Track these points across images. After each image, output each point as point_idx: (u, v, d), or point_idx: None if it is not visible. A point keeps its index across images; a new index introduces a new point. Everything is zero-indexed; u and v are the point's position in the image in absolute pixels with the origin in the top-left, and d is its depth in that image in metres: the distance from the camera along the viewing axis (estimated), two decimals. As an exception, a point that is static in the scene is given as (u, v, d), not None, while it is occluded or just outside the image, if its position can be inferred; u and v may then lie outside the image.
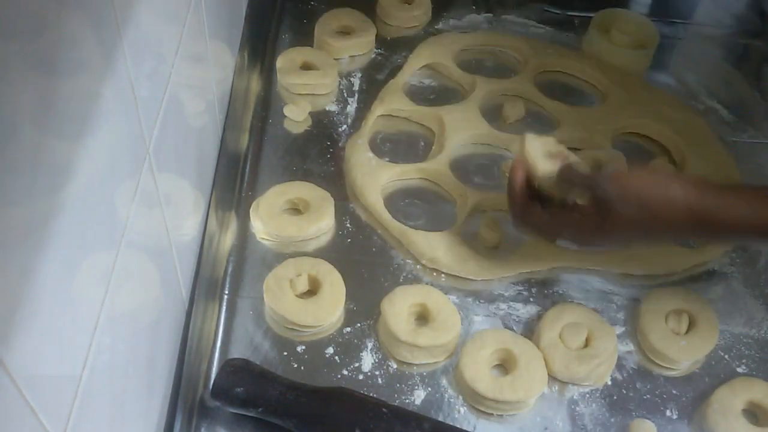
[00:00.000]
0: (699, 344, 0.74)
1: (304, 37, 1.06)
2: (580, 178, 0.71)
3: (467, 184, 0.88)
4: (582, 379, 0.72)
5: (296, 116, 0.94)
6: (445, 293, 0.76)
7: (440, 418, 0.69)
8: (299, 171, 0.90)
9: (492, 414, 0.69)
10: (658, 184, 0.68)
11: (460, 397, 0.71)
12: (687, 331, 0.75)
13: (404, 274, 0.80)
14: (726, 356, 0.76)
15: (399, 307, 0.73)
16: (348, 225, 0.84)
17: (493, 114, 0.98)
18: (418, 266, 0.81)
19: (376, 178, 0.87)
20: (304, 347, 0.73)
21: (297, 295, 0.75)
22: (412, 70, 1.02)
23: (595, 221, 0.69)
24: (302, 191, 0.84)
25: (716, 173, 0.90)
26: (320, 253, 0.81)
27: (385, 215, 0.84)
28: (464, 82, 1.02)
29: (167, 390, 0.68)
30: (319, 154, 0.92)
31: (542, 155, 0.74)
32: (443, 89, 1.02)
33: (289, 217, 0.83)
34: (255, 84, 1.00)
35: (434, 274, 0.80)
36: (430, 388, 0.71)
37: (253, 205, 0.84)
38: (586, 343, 0.73)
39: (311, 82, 0.98)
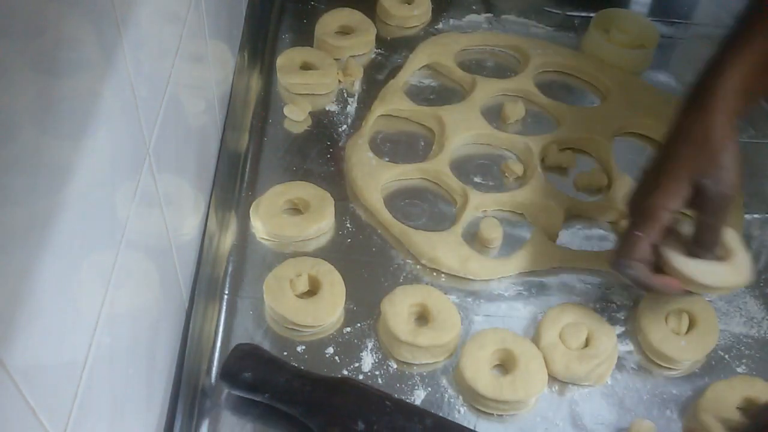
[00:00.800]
0: (699, 344, 0.74)
1: (304, 37, 1.06)
2: None
3: (467, 184, 0.88)
4: (582, 379, 0.72)
5: (296, 116, 0.94)
6: (445, 293, 0.76)
7: (440, 418, 0.69)
8: (299, 171, 0.90)
9: (492, 414, 0.69)
10: None
11: (460, 397, 0.71)
12: (687, 331, 0.75)
13: (404, 274, 0.80)
14: (726, 356, 0.76)
15: (399, 307, 0.73)
16: (348, 225, 0.84)
17: (493, 114, 0.98)
18: (418, 266, 0.81)
19: (376, 178, 0.87)
20: (304, 347, 0.73)
21: (297, 295, 0.75)
22: (412, 70, 1.02)
23: None
24: (302, 191, 0.84)
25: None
26: (320, 253, 0.81)
27: (385, 215, 0.84)
28: (464, 82, 1.02)
29: (167, 390, 0.68)
30: (319, 154, 0.92)
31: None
32: (443, 89, 1.02)
33: (289, 217, 0.83)
34: (255, 84, 1.01)
35: (434, 274, 0.80)
36: (430, 388, 0.71)
37: (253, 205, 0.84)
38: (586, 343, 0.73)
39: (311, 82, 0.98)
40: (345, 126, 0.95)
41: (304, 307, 0.73)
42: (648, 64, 1.07)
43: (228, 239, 0.82)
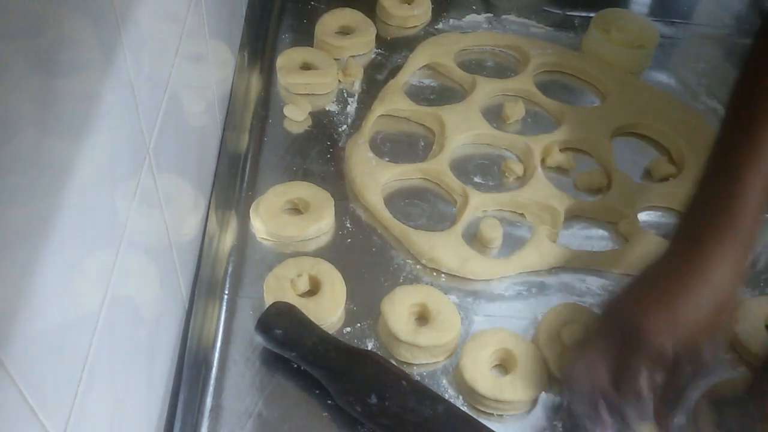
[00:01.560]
0: None
1: (304, 37, 1.06)
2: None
3: (467, 184, 0.88)
4: None
5: (296, 116, 0.94)
6: (445, 293, 0.76)
7: (440, 418, 0.69)
8: (299, 171, 0.90)
9: (492, 414, 0.69)
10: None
11: (460, 397, 0.71)
12: None
13: (404, 274, 0.80)
14: (726, 357, 0.76)
15: (399, 307, 0.73)
16: (348, 225, 0.84)
17: (493, 114, 0.98)
18: (418, 266, 0.81)
19: (376, 178, 0.87)
20: (304, 347, 0.73)
21: (298, 295, 0.75)
22: (412, 70, 1.02)
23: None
24: (302, 191, 0.84)
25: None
26: (320, 253, 0.81)
27: (386, 215, 0.84)
28: (464, 82, 1.02)
29: (167, 390, 0.68)
30: (319, 154, 0.92)
31: None
32: (443, 89, 1.02)
33: (289, 217, 0.83)
34: (255, 84, 1.00)
35: (434, 274, 0.80)
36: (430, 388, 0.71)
37: (253, 205, 0.84)
38: None
39: (311, 82, 0.98)
40: (345, 126, 0.95)
41: (305, 307, 0.73)
42: (648, 64, 1.07)
43: (228, 239, 0.82)
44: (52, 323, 0.41)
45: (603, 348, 0.62)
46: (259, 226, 0.82)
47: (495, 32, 1.10)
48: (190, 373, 0.70)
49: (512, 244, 0.84)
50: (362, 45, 1.05)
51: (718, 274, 0.59)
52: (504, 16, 1.14)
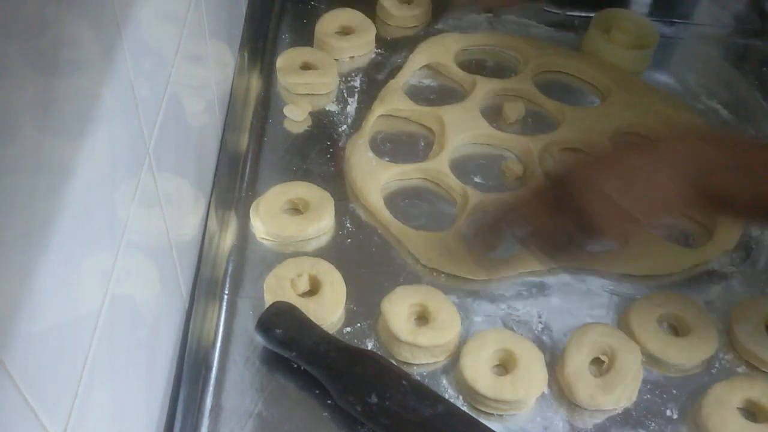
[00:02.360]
0: (694, 350, 0.74)
1: (304, 37, 1.06)
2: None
3: (467, 184, 0.88)
4: (609, 406, 0.70)
5: (296, 116, 0.94)
6: (445, 293, 0.76)
7: (440, 418, 0.69)
8: (299, 171, 0.90)
9: (492, 414, 0.69)
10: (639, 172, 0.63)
11: (460, 397, 0.71)
12: (684, 335, 0.75)
13: (404, 274, 0.80)
14: (727, 357, 0.76)
15: (399, 307, 0.73)
16: (348, 225, 0.84)
17: (493, 114, 0.98)
18: (418, 266, 0.81)
19: (376, 178, 0.87)
20: (304, 347, 0.73)
21: (298, 295, 0.75)
22: (412, 70, 1.02)
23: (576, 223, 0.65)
24: (302, 191, 0.84)
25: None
26: (320, 253, 0.81)
27: (386, 215, 0.84)
28: (464, 82, 1.02)
29: (167, 390, 0.68)
30: (319, 154, 0.92)
31: None
32: (443, 89, 1.02)
33: (289, 217, 0.83)
34: (255, 84, 1.01)
35: (434, 274, 0.80)
36: (430, 388, 0.71)
37: (253, 205, 0.84)
38: (609, 366, 0.71)
39: (311, 81, 0.98)
40: (345, 126, 0.95)
41: (305, 307, 0.73)
42: (648, 64, 1.07)
43: (228, 239, 0.82)
44: (52, 323, 0.41)
45: (538, 188, 0.71)
46: (259, 226, 0.82)
47: (495, 32, 1.10)
48: (190, 373, 0.70)
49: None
50: (362, 45, 1.05)
51: (662, 170, 0.63)
52: (504, 16, 1.14)
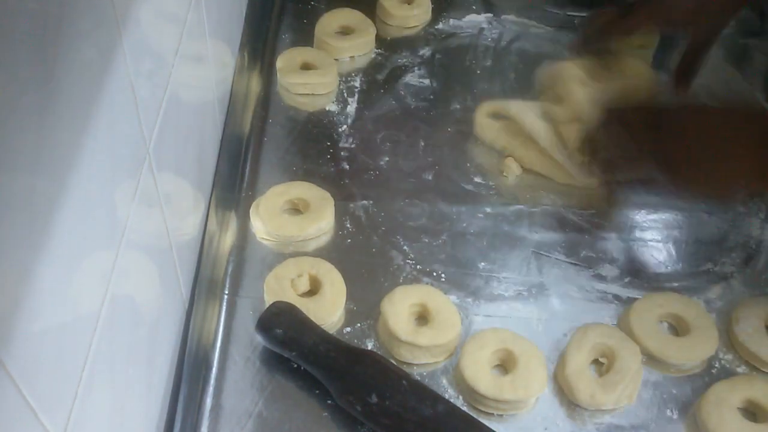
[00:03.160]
0: (695, 349, 0.74)
1: (304, 37, 1.06)
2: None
3: (467, 184, 0.89)
4: (609, 405, 0.70)
5: (514, 170, 0.91)
6: (445, 293, 0.76)
7: (440, 418, 0.69)
8: (299, 171, 0.90)
9: (492, 414, 0.69)
10: None
11: (460, 397, 0.71)
12: (684, 335, 0.75)
13: (404, 274, 0.80)
14: (727, 357, 0.76)
15: (399, 307, 0.73)
16: (348, 225, 0.84)
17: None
18: (418, 266, 0.81)
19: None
20: (304, 347, 0.73)
21: (298, 295, 0.75)
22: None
23: None
24: (302, 191, 0.84)
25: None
26: (320, 253, 0.81)
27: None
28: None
29: (167, 390, 0.68)
30: (319, 154, 0.92)
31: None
32: (443, 90, 1.02)
33: (289, 217, 0.83)
34: (255, 84, 1.01)
35: (434, 274, 0.80)
36: (430, 388, 0.71)
37: (253, 205, 0.84)
38: (609, 366, 0.72)
39: (311, 81, 0.98)
40: (345, 126, 0.95)
41: (305, 307, 0.73)
42: (648, 64, 1.07)
43: (228, 239, 0.82)
44: (52, 323, 0.41)
45: None
46: (259, 226, 0.82)
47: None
48: (190, 373, 0.70)
49: (512, 244, 0.84)
50: (362, 45, 1.05)
51: None
52: (504, 16, 1.14)
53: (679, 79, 0.90)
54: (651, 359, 0.74)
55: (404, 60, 1.04)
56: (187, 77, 0.71)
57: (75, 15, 0.43)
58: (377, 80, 1.02)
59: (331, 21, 1.06)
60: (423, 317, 0.75)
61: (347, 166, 0.91)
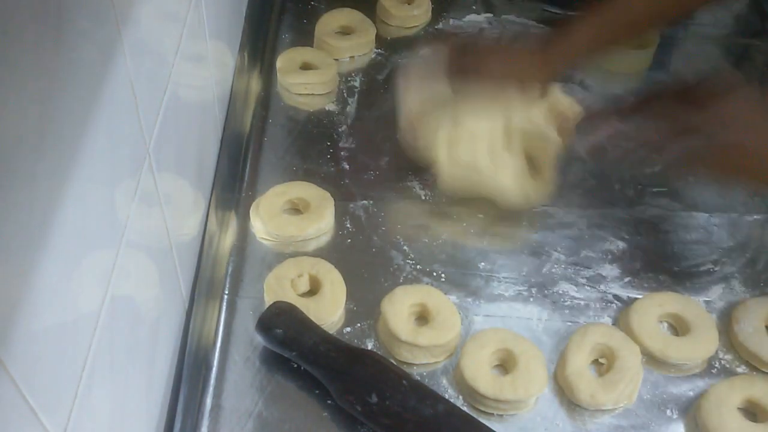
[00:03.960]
0: (695, 349, 0.74)
1: (304, 37, 1.06)
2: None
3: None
4: (609, 405, 0.70)
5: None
6: (445, 293, 0.76)
7: (440, 418, 0.69)
8: (299, 171, 0.90)
9: (492, 414, 0.69)
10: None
11: (460, 397, 0.71)
12: (684, 335, 0.75)
13: (404, 275, 0.80)
14: (727, 357, 0.76)
15: (399, 307, 0.73)
16: (348, 225, 0.84)
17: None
18: (418, 266, 0.81)
19: None
20: (304, 347, 0.73)
21: (298, 295, 0.75)
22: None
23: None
24: (302, 191, 0.84)
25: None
26: (320, 253, 0.81)
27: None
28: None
29: (167, 390, 0.68)
30: (319, 154, 0.92)
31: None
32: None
33: (289, 217, 0.83)
34: (255, 84, 1.01)
35: (434, 274, 0.80)
36: (430, 388, 0.71)
37: (253, 205, 0.84)
38: (609, 366, 0.72)
39: (311, 81, 0.98)
40: (345, 126, 0.95)
41: (305, 307, 0.73)
42: (648, 64, 1.07)
43: (228, 239, 0.82)
44: (52, 323, 0.41)
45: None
46: (259, 226, 0.82)
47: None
48: (190, 373, 0.70)
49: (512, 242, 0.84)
50: (362, 45, 1.05)
51: (527, 54, 0.79)
52: (504, 16, 1.14)
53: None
54: (651, 359, 0.74)
55: (404, 60, 1.04)
56: (187, 77, 0.71)
57: (75, 15, 0.43)
58: (377, 80, 1.02)
59: (331, 21, 1.06)
60: (423, 317, 0.75)
61: (347, 166, 0.91)
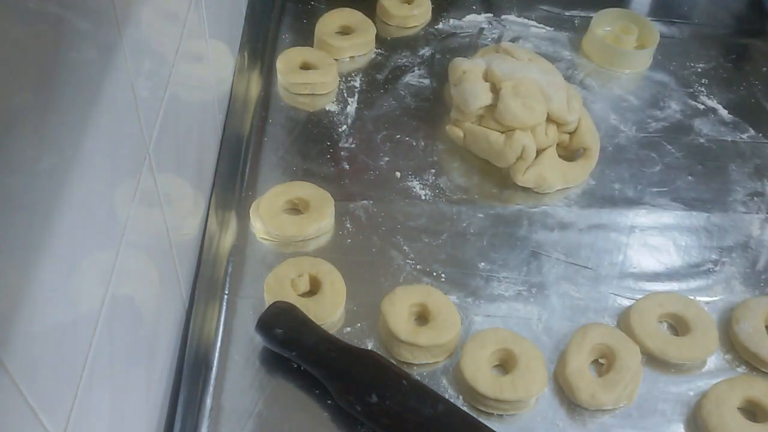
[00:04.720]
0: (695, 349, 0.74)
1: (304, 37, 1.06)
2: None
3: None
4: (610, 405, 0.70)
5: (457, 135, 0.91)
6: (445, 293, 0.76)
7: (440, 418, 0.69)
8: (299, 171, 0.90)
9: (492, 414, 0.69)
10: None
11: (460, 397, 0.71)
12: (684, 335, 0.75)
13: (404, 275, 0.80)
14: (727, 357, 0.76)
15: (399, 307, 0.73)
16: (348, 225, 0.84)
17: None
18: (418, 266, 0.81)
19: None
20: (304, 347, 0.73)
21: (298, 295, 0.75)
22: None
23: None
24: (302, 191, 0.84)
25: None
26: (320, 253, 0.81)
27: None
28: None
29: (167, 390, 0.68)
30: (319, 154, 0.92)
31: None
32: (442, 90, 1.02)
33: (289, 216, 0.83)
34: (255, 84, 1.01)
35: (434, 274, 0.80)
36: (430, 388, 0.71)
37: (253, 205, 0.84)
38: (609, 366, 0.72)
39: (311, 81, 0.98)
40: (345, 126, 0.95)
41: (305, 307, 0.73)
42: (648, 64, 1.07)
43: (228, 239, 0.82)
44: (52, 323, 0.41)
45: None
46: (259, 226, 0.82)
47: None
48: (190, 373, 0.70)
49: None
50: (362, 45, 1.05)
51: None
52: (504, 16, 1.14)
53: None
54: (651, 359, 0.74)
55: (404, 60, 1.05)
56: (187, 77, 0.71)
57: (75, 15, 0.43)
58: (377, 80, 1.02)
59: (331, 21, 1.06)
60: (423, 317, 0.75)
61: (347, 166, 0.91)
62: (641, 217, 0.88)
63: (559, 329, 0.76)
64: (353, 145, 0.93)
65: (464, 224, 0.86)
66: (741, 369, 0.75)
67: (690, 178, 0.92)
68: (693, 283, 0.82)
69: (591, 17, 1.09)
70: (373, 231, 0.84)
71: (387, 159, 0.91)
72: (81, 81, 0.44)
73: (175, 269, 0.69)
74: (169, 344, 0.69)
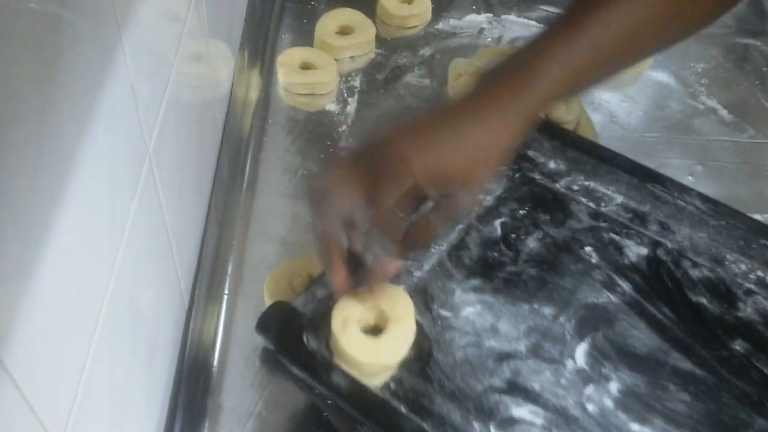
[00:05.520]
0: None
1: (304, 37, 1.06)
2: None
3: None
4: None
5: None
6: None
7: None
8: (299, 171, 0.89)
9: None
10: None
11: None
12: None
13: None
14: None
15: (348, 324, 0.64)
16: (348, 225, 0.84)
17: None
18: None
19: None
20: (304, 347, 0.73)
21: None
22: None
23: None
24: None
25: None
26: (320, 253, 0.81)
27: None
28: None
29: (167, 390, 0.68)
30: (319, 154, 0.92)
31: None
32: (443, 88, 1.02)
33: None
34: (255, 84, 1.01)
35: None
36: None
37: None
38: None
39: (311, 81, 0.98)
40: (345, 126, 0.95)
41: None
42: (648, 64, 1.07)
43: (228, 239, 0.82)
44: (52, 323, 0.41)
45: (353, 173, 0.59)
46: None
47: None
48: (190, 373, 0.70)
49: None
50: (362, 45, 1.05)
51: (489, 123, 0.57)
52: (504, 16, 1.14)
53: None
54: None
55: (404, 60, 1.04)
56: (187, 77, 0.71)
57: (75, 15, 0.43)
58: (377, 80, 1.02)
59: (331, 21, 1.06)
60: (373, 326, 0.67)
61: (347, 166, 0.90)
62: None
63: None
64: (353, 145, 0.93)
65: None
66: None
67: (690, 178, 0.92)
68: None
69: (591, 17, 1.09)
70: (373, 231, 0.84)
71: (387, 159, 0.91)
72: (81, 81, 0.44)
73: (175, 269, 0.69)
74: (169, 344, 0.69)
